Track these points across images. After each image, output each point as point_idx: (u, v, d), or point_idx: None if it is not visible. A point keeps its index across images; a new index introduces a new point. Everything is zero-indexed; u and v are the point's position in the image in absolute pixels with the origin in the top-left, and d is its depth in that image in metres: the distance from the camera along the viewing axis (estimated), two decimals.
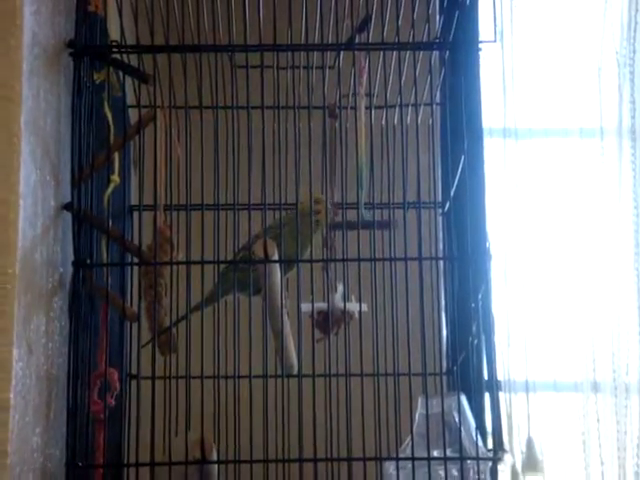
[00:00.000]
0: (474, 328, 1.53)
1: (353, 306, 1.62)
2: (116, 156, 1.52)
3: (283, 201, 1.64)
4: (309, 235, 1.62)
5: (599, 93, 2.48)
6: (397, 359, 1.48)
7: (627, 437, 2.32)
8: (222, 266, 1.61)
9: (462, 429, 1.48)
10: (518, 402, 2.34)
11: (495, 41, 1.57)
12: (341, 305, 1.62)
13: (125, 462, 1.48)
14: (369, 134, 1.60)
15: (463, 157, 1.54)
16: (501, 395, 2.31)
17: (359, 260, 1.50)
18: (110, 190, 1.51)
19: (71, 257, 1.45)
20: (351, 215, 1.66)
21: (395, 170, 1.58)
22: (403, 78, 1.61)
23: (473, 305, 1.51)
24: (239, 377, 1.51)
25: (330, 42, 1.58)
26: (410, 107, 1.68)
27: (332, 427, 1.56)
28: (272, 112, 1.62)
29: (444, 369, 1.80)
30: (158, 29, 1.55)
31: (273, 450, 1.48)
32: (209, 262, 1.50)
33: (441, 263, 1.63)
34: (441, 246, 1.73)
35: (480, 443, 1.49)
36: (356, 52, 1.59)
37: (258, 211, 1.52)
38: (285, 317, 1.56)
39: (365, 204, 1.64)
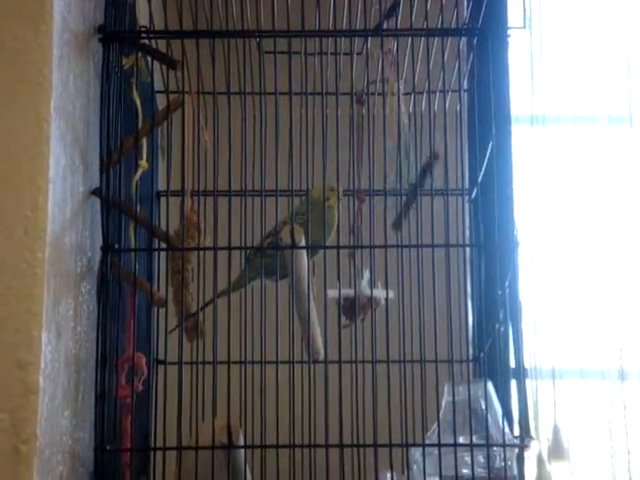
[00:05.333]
0: (501, 315, 1.53)
1: (379, 293, 1.62)
2: (144, 141, 1.53)
3: (310, 187, 1.64)
4: (334, 219, 1.63)
5: (628, 79, 2.46)
6: (423, 346, 1.48)
7: None
8: (249, 251, 1.61)
9: (488, 416, 1.48)
10: (544, 389, 2.34)
11: (524, 27, 1.56)
12: (367, 291, 1.62)
13: (152, 446, 1.48)
14: (397, 120, 1.59)
15: (491, 144, 1.53)
16: (527, 382, 2.30)
17: (386, 247, 1.50)
18: (138, 175, 1.51)
19: (99, 242, 1.45)
20: (378, 202, 1.66)
21: (423, 156, 1.58)
22: (431, 64, 1.60)
23: (500, 292, 1.51)
24: (266, 363, 1.52)
25: (358, 28, 1.58)
26: (438, 93, 1.68)
27: (358, 413, 1.57)
28: (300, 98, 1.62)
29: (471, 356, 1.79)
30: (186, 15, 1.55)
31: (299, 436, 1.49)
32: (236, 248, 1.50)
33: (468, 250, 1.62)
34: (468, 233, 1.72)
35: (507, 430, 1.49)
36: (384, 38, 1.59)
37: (285, 197, 1.52)
38: (312, 303, 1.56)
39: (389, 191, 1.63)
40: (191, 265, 1.57)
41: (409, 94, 1.74)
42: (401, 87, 1.64)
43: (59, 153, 1.27)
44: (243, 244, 1.53)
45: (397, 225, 1.60)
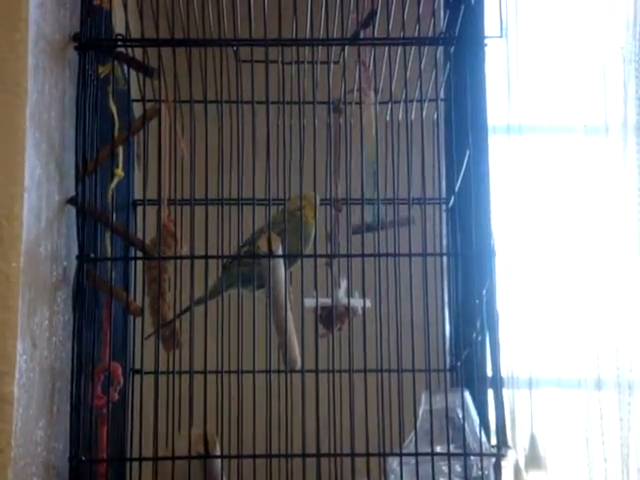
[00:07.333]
0: (478, 324, 1.53)
1: (357, 302, 1.61)
2: (120, 150, 1.52)
3: (287, 196, 1.64)
4: (311, 230, 1.62)
5: (604, 89, 2.47)
6: (401, 355, 1.48)
7: (630, 434, 2.32)
8: (226, 260, 1.61)
9: (466, 425, 1.48)
10: (521, 399, 2.34)
11: (501, 37, 1.57)
12: (345, 301, 1.61)
13: (128, 456, 1.48)
14: (375, 131, 1.59)
15: (468, 152, 1.54)
16: (504, 391, 2.31)
17: (363, 256, 1.50)
18: (114, 184, 1.51)
19: (75, 251, 1.44)
20: (355, 211, 1.66)
21: (400, 166, 1.58)
22: (408, 73, 1.61)
23: (477, 301, 1.51)
24: (242, 372, 1.51)
25: (335, 37, 1.58)
26: (415, 102, 1.68)
27: (335, 422, 1.56)
28: (277, 107, 1.62)
29: (448, 365, 1.79)
30: (163, 23, 1.55)
31: (276, 445, 1.48)
32: (213, 257, 1.50)
33: (445, 259, 1.62)
34: (445, 242, 1.72)
35: (484, 439, 1.49)
36: (361, 47, 1.59)
37: (262, 206, 1.52)
38: (289, 312, 1.55)
39: (367, 200, 1.63)
40: (168, 274, 1.57)
41: (386, 103, 1.74)
42: (373, 97, 1.64)
43: (34, 162, 1.26)
44: (220, 253, 1.53)
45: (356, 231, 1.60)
